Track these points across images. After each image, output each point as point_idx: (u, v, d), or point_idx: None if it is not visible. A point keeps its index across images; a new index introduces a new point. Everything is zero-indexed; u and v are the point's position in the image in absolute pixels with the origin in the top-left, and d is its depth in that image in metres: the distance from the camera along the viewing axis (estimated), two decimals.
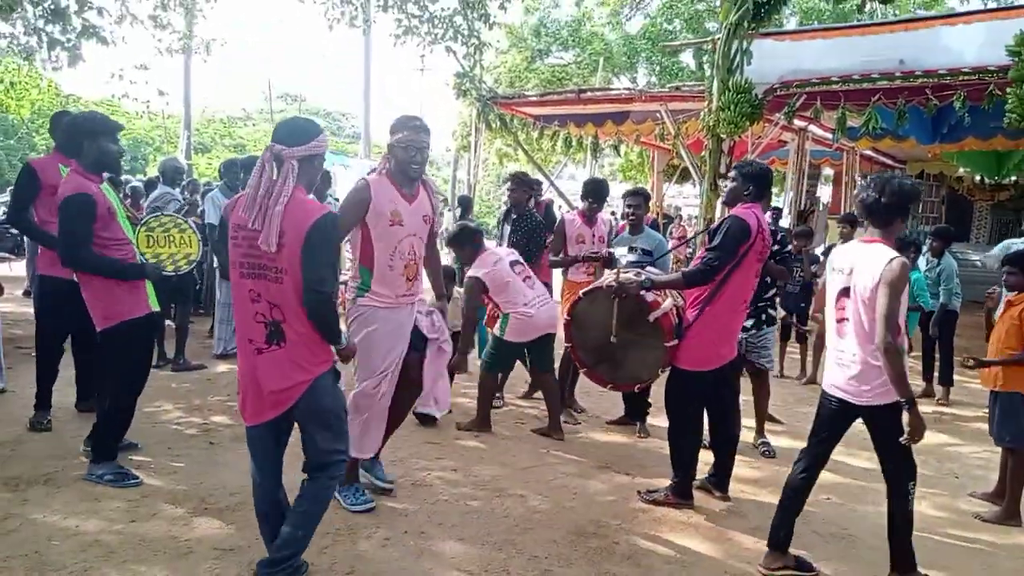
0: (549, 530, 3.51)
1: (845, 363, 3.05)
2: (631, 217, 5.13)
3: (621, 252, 5.03)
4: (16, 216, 4.49)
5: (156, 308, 3.93)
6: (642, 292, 3.73)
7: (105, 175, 3.88)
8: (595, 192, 5.49)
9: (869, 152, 14.17)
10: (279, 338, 2.61)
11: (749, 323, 4.66)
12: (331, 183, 8.23)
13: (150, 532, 3.23)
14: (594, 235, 5.38)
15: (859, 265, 2.98)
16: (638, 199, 5.18)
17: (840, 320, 3.08)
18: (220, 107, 40.55)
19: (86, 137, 3.72)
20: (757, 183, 3.77)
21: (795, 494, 3.23)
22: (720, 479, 4.05)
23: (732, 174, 3.89)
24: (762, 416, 5.02)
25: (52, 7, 7.31)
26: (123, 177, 6.31)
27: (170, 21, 11.01)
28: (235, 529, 3.27)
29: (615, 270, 4.06)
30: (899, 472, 3.07)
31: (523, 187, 5.79)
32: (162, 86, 11.48)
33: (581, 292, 4.06)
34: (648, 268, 4.36)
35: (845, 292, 3.04)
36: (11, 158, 22.92)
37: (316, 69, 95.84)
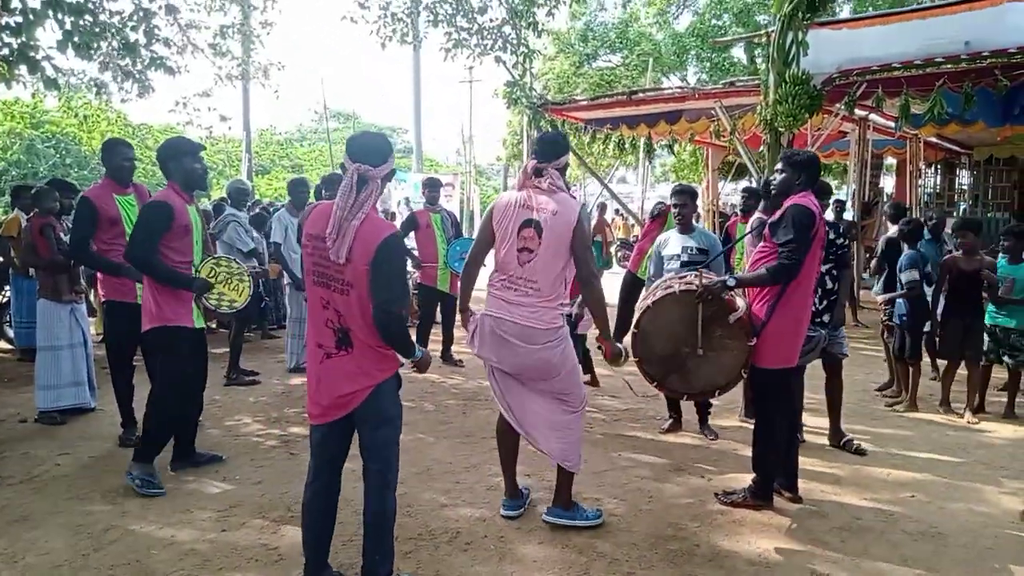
0: (628, 533, 3.50)
1: None
2: (678, 217, 4.93)
3: (672, 253, 4.85)
4: (78, 251, 4.61)
5: (200, 326, 4.10)
6: (725, 294, 3.62)
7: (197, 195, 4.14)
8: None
9: (933, 139, 13.71)
10: (347, 344, 2.71)
11: (826, 317, 4.56)
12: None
13: (241, 540, 3.36)
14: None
15: None
16: (684, 197, 4.93)
17: None
18: (277, 126, 41.70)
19: (171, 159, 4.01)
20: (808, 171, 3.71)
21: None
22: (788, 480, 3.93)
23: (779, 165, 3.81)
24: (838, 410, 4.88)
25: (123, 42, 7.66)
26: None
27: (229, 49, 11.43)
28: None
29: (686, 276, 3.94)
30: None
31: None
32: (223, 111, 11.91)
33: (650, 301, 3.84)
34: (706, 271, 4.18)
35: None
36: (84, 188, 24.07)
37: (367, 85, 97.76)
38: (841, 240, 4.67)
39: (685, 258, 4.77)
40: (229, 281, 4.24)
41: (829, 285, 4.60)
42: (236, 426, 5.19)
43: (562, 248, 3.33)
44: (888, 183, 17.93)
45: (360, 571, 2.88)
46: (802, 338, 3.72)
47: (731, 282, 3.61)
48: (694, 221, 5.04)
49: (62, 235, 5.35)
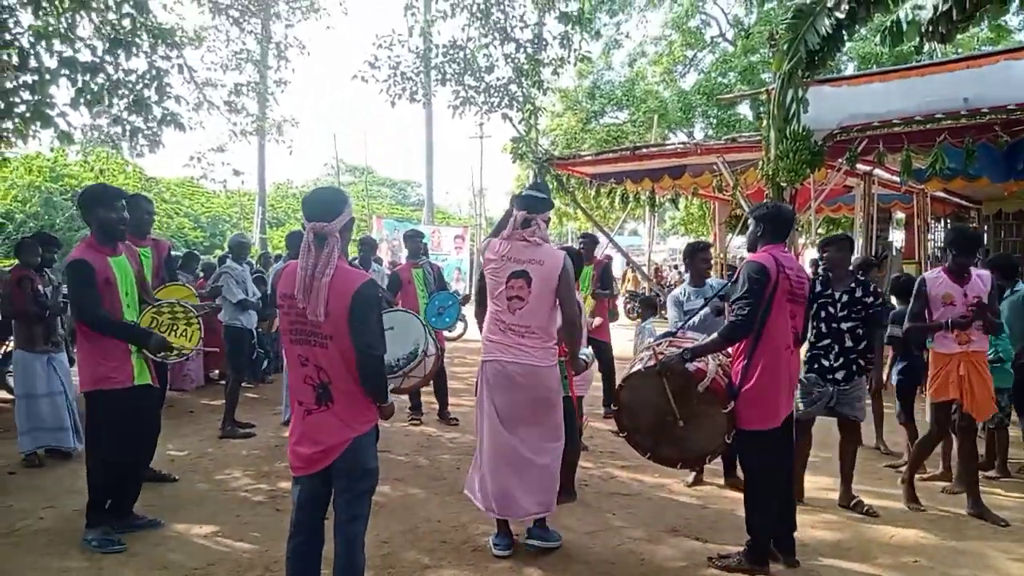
0: None
1: None
2: (699, 272, 5.21)
3: (697, 306, 4.82)
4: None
5: (144, 382, 3.92)
6: (685, 365, 3.59)
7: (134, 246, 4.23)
8: (959, 242, 4.59)
9: (940, 193, 13.69)
10: (327, 399, 2.72)
11: (840, 375, 4.48)
12: (375, 249, 8.43)
13: None
14: (966, 295, 4.47)
15: None
16: (708, 253, 5.36)
17: None
18: (294, 180, 42.52)
19: (85, 211, 3.92)
20: (767, 223, 3.69)
21: None
22: (785, 543, 3.78)
23: (750, 220, 3.81)
24: (848, 472, 4.73)
25: (134, 98, 7.86)
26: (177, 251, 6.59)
27: (244, 106, 11.73)
28: None
29: (648, 347, 3.96)
30: None
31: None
32: (238, 164, 12.20)
33: (621, 380, 3.91)
34: (681, 334, 4.19)
35: None
36: None
37: (381, 139, 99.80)
38: (870, 299, 4.51)
39: (717, 307, 4.80)
40: (174, 327, 4.12)
41: (848, 343, 4.49)
42: (226, 480, 5.12)
43: (549, 294, 3.69)
44: (897, 237, 17.87)
45: None
46: (783, 396, 3.62)
47: (687, 354, 3.58)
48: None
49: (40, 287, 5.43)
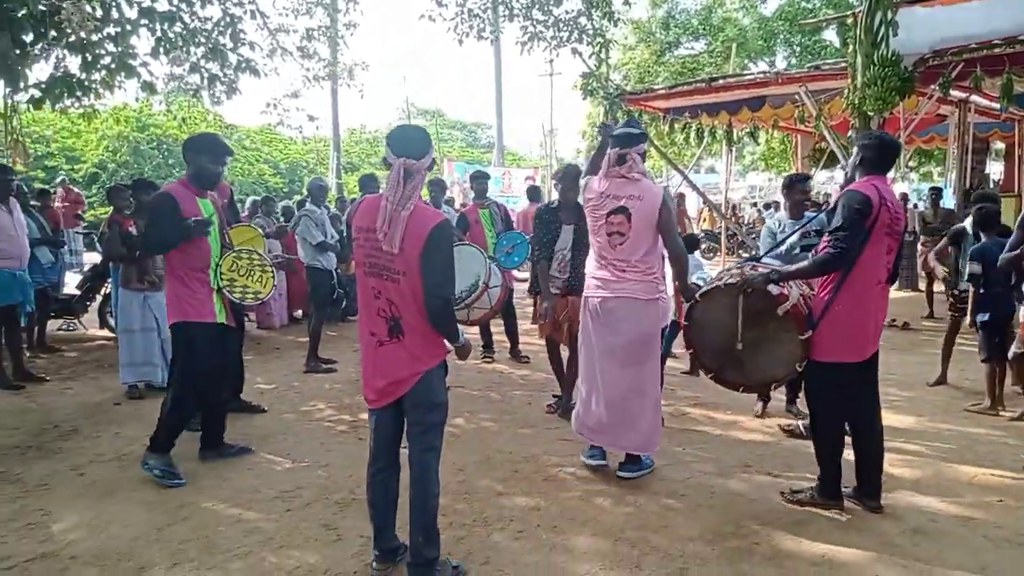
0: (685, 528, 3.43)
1: None
2: (798, 205, 4.99)
3: (792, 240, 4.71)
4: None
5: (221, 320, 4.15)
6: (768, 286, 3.52)
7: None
8: None
9: None
10: (398, 332, 2.79)
11: None
12: (445, 190, 8.53)
13: (303, 521, 3.50)
14: None
15: None
16: (808, 185, 5.20)
17: None
18: (367, 125, 42.98)
19: (190, 152, 4.13)
20: (869, 151, 3.50)
21: None
22: (870, 486, 3.66)
23: (854, 148, 3.65)
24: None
25: (211, 46, 8.06)
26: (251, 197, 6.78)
27: (316, 51, 11.81)
28: None
29: (736, 268, 3.88)
30: None
31: None
32: (313, 111, 12.33)
33: (697, 295, 3.82)
34: (764, 260, 4.12)
35: None
36: None
37: (450, 83, 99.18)
38: None
39: (805, 242, 4.68)
40: (251, 273, 4.35)
41: None
42: (311, 411, 5.40)
43: (650, 229, 3.80)
44: (995, 169, 16.75)
45: (408, 554, 2.94)
46: (866, 333, 3.49)
47: (774, 275, 3.51)
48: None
49: (132, 230, 5.79)
